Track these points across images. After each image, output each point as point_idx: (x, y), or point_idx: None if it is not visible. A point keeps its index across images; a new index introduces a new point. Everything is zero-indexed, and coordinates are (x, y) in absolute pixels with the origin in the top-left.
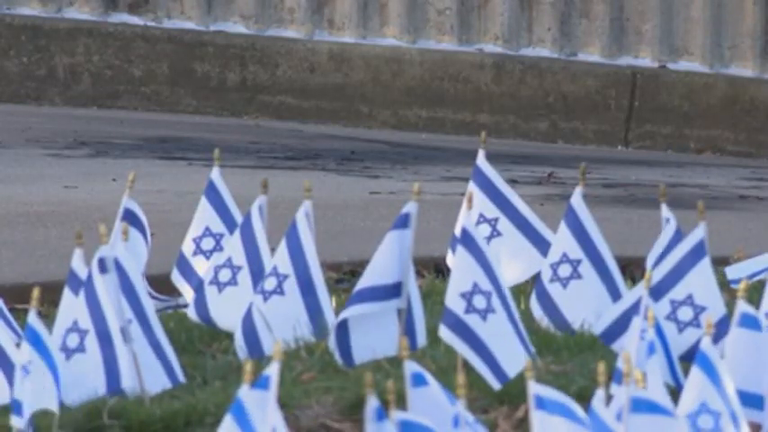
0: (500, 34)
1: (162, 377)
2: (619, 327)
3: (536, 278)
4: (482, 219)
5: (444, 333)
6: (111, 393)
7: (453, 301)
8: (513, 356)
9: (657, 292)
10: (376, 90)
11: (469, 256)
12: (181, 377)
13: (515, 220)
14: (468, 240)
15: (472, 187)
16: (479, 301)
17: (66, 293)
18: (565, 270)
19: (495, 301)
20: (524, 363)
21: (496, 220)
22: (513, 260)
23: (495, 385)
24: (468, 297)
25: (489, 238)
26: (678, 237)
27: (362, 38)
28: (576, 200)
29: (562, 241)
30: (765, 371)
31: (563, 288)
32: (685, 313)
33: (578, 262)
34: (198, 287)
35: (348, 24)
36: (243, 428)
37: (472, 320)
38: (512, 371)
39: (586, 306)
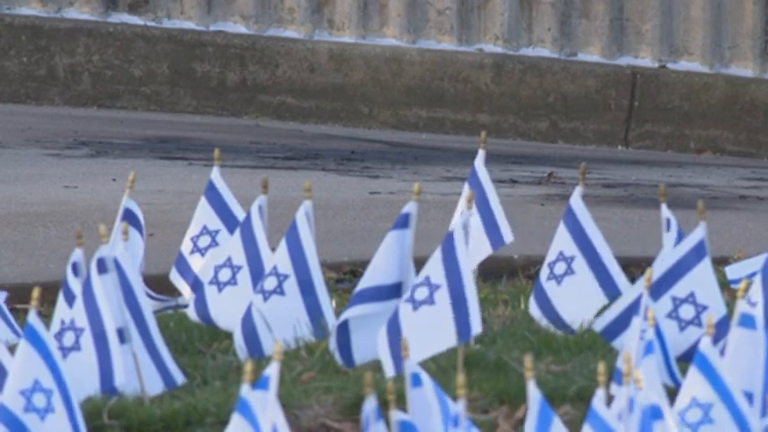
0: (500, 34)
1: (157, 380)
2: (620, 324)
3: (535, 279)
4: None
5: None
6: (105, 392)
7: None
8: (431, 344)
9: (659, 290)
10: (376, 90)
11: (439, 253)
12: (179, 378)
13: (482, 212)
14: (447, 240)
15: (468, 188)
16: (421, 293)
17: (60, 300)
18: (560, 268)
19: (440, 295)
20: (439, 349)
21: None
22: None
23: (389, 372)
24: (413, 288)
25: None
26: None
27: (362, 38)
28: (576, 200)
29: (559, 240)
30: (759, 369)
31: (557, 285)
32: (687, 311)
33: (572, 258)
34: (195, 286)
35: (348, 24)
36: (254, 426)
37: (403, 309)
38: (420, 356)
39: (579, 301)
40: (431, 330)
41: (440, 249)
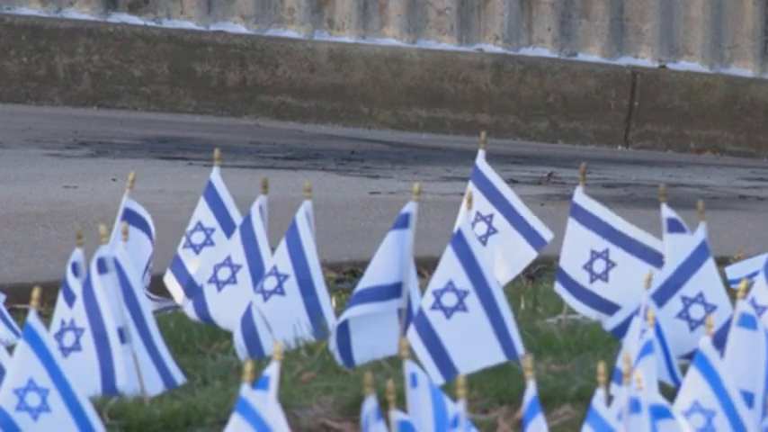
0: (500, 34)
1: (157, 380)
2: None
3: (562, 280)
4: (479, 217)
5: (410, 333)
6: (107, 393)
7: (425, 299)
8: (474, 356)
9: (668, 290)
10: (376, 90)
11: (454, 255)
12: (179, 378)
13: (509, 217)
14: (457, 240)
15: (471, 187)
16: (449, 299)
17: (60, 300)
18: (599, 266)
19: (471, 301)
20: (490, 362)
21: (491, 216)
22: (508, 257)
23: (438, 380)
24: (438, 294)
25: (486, 236)
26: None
27: (362, 38)
28: (580, 196)
29: (582, 239)
30: (760, 369)
31: (605, 282)
32: (697, 311)
33: (606, 252)
34: (189, 288)
35: (348, 24)
36: (254, 426)
37: (434, 317)
38: (465, 369)
39: (634, 284)
40: (472, 340)
41: (455, 253)
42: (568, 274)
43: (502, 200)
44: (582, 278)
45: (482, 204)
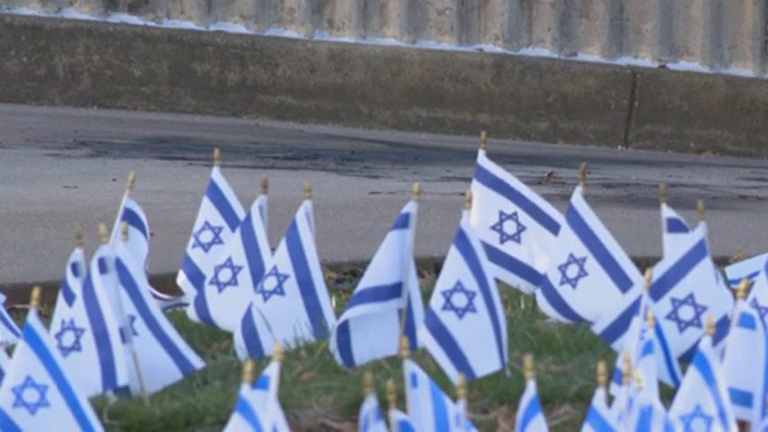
0: (500, 34)
1: (173, 368)
2: (620, 325)
3: (542, 279)
4: (504, 216)
5: (422, 334)
6: (112, 390)
7: (434, 300)
8: (485, 358)
9: (658, 291)
10: (376, 90)
11: (460, 255)
12: (197, 363)
13: (533, 213)
14: (461, 240)
15: (477, 187)
16: (459, 300)
17: (60, 300)
18: (573, 271)
19: (479, 303)
20: (495, 367)
21: (516, 214)
22: (545, 248)
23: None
24: (447, 295)
25: (518, 234)
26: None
27: (362, 38)
28: (577, 199)
29: (567, 242)
30: (759, 369)
31: (573, 288)
32: (686, 312)
33: (583, 260)
34: (194, 278)
35: (348, 24)
36: (254, 426)
37: (446, 317)
38: (480, 371)
39: (597, 301)
40: (481, 342)
41: (460, 254)
42: (548, 279)
43: (521, 197)
44: (553, 277)
45: (502, 203)
